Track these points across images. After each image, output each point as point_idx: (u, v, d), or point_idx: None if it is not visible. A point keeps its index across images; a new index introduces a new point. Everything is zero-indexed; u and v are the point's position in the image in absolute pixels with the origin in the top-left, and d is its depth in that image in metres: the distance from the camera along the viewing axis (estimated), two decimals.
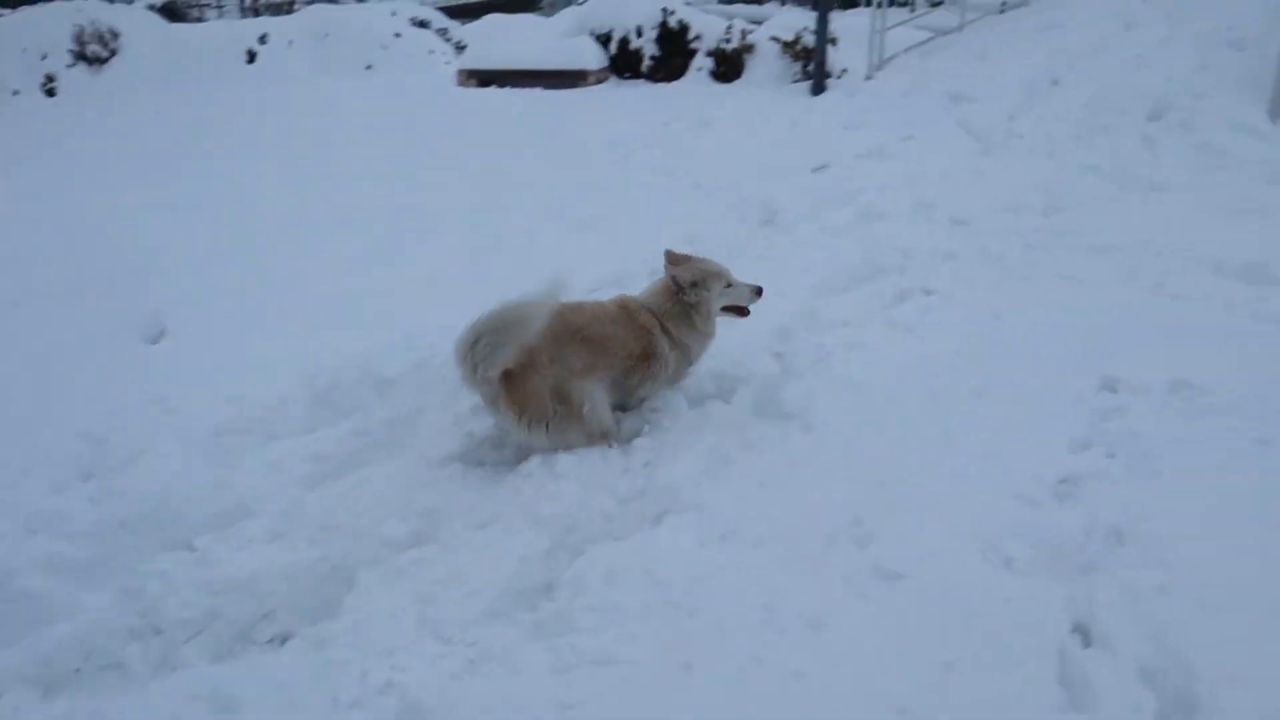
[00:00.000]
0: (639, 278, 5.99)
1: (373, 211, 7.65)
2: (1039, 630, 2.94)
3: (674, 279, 4.33)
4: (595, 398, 4.07)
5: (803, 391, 4.44)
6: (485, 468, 4.10)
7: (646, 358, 4.32)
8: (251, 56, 16.02)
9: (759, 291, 4.45)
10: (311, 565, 3.51)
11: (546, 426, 3.95)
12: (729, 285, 4.41)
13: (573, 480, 3.85)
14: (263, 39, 16.27)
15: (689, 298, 4.34)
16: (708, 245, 6.59)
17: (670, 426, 4.30)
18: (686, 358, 4.50)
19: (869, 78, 12.87)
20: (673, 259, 4.47)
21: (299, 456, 4.19)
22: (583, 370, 4.06)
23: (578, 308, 4.31)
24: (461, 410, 4.51)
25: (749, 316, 4.56)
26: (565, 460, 3.97)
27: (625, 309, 4.40)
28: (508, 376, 3.91)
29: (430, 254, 6.58)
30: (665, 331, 4.37)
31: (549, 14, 22.99)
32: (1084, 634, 2.96)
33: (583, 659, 2.92)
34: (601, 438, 4.09)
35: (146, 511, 3.71)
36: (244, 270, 6.33)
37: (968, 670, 2.77)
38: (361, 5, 23.63)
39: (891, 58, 13.53)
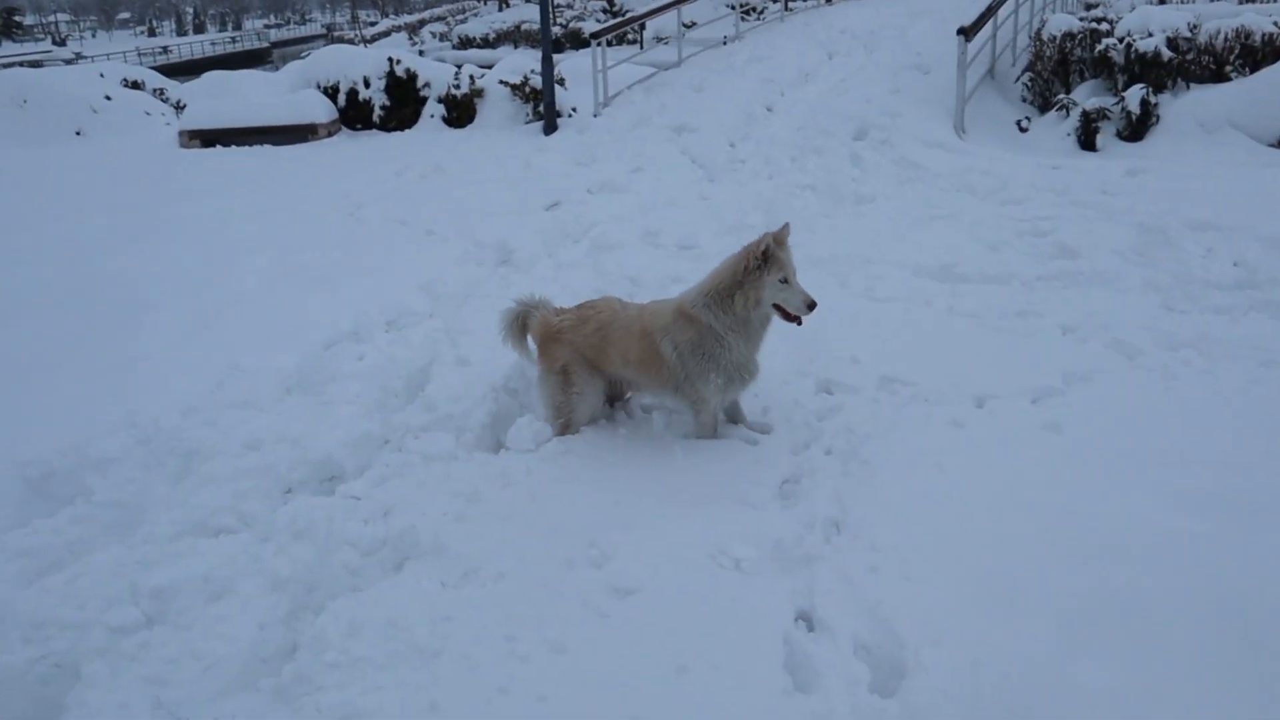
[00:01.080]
0: (376, 329, 5.96)
1: (88, 287, 7.20)
2: (766, 623, 3.15)
3: (765, 247, 4.17)
4: (585, 390, 4.56)
5: (539, 425, 4.56)
6: (220, 537, 3.94)
7: (648, 362, 4.40)
8: None
9: (811, 305, 4.26)
10: (28, 666, 3.27)
11: (544, 381, 4.63)
12: (785, 281, 4.23)
13: (312, 539, 3.78)
14: None
15: (750, 277, 4.21)
16: (444, 290, 6.64)
17: (414, 471, 4.31)
18: (717, 350, 4.31)
19: (597, 115, 13.29)
20: (778, 239, 4.27)
21: (9, 553, 3.89)
22: (587, 361, 4.56)
23: (606, 306, 4.69)
24: (191, 482, 4.32)
25: (799, 325, 4.38)
26: (303, 518, 3.89)
27: (640, 319, 4.50)
28: (544, 330, 4.64)
29: (153, 325, 6.26)
30: (689, 324, 4.33)
31: (277, 68, 22.39)
32: (807, 621, 3.20)
33: (327, 717, 2.88)
34: (561, 428, 4.56)
35: None
36: None
37: (700, 671, 2.93)
38: (66, 68, 22.23)
39: (617, 94, 14.04)
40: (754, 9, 23.62)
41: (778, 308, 4.29)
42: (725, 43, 18.13)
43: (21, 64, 28.56)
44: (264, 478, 4.35)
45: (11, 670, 3.24)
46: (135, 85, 18.44)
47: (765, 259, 4.18)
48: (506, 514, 3.87)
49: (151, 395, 5.13)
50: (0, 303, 6.93)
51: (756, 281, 4.21)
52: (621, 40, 21.49)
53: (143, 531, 4.04)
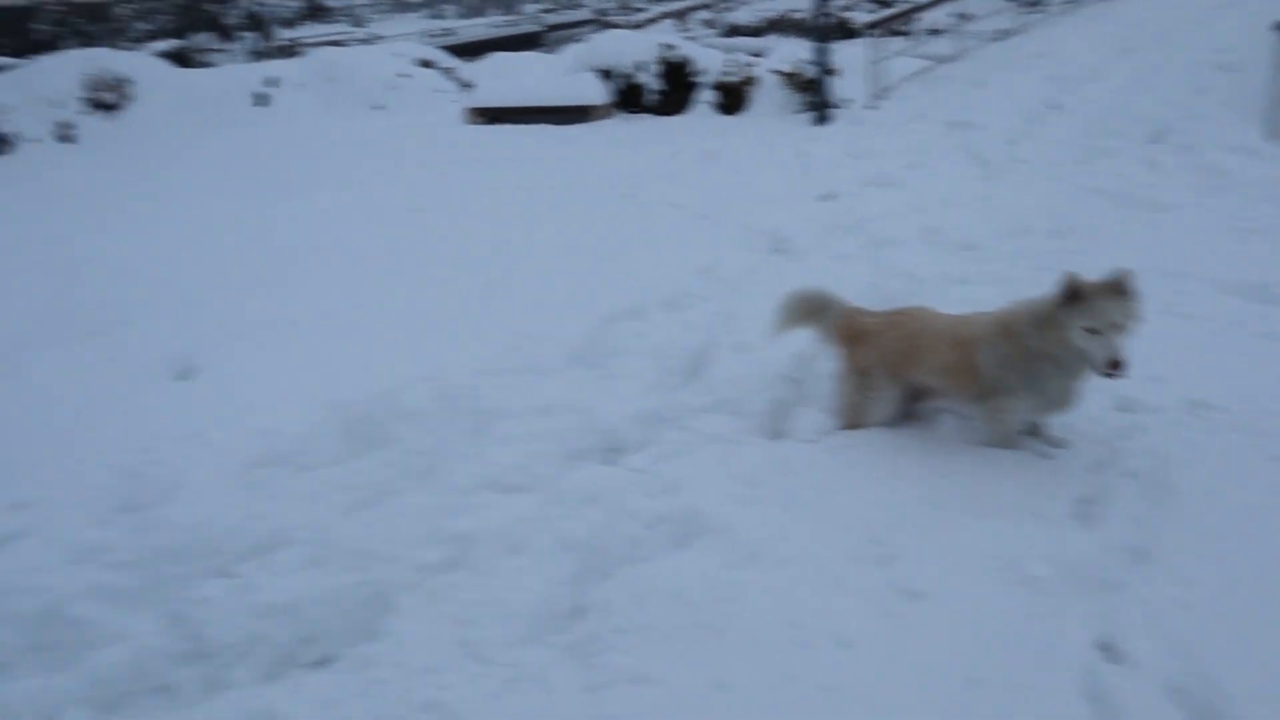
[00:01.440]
0: (655, 309, 6.12)
1: (387, 247, 7.80)
2: (1062, 647, 3.01)
3: (1068, 284, 3.87)
4: (882, 395, 4.46)
5: (821, 416, 4.55)
6: (514, 494, 4.17)
7: (961, 372, 4.26)
8: (261, 99, 16.23)
9: (1113, 365, 3.78)
10: (349, 589, 3.58)
11: (845, 379, 4.54)
12: (1089, 330, 3.84)
13: (600, 505, 3.94)
14: (272, 82, 16.49)
15: (1058, 311, 3.93)
16: (720, 274, 6.74)
17: (695, 451, 4.40)
18: (1033, 372, 4.09)
19: (870, 107, 13.06)
20: (1096, 285, 3.90)
21: (331, 486, 4.28)
22: (891, 367, 4.41)
23: (920, 315, 4.59)
24: (486, 439, 4.60)
25: (1111, 379, 3.92)
26: (591, 485, 4.07)
27: (955, 329, 4.37)
28: (850, 328, 4.56)
29: (447, 286, 6.70)
30: (1009, 340, 4.12)
31: (552, 50, 23.29)
32: (1107, 650, 3.01)
33: (617, 677, 3.00)
34: (848, 424, 4.52)
35: (187, 541, 3.81)
36: (270, 306, 6.48)
37: (993, 687, 2.84)
38: (366, 47, 23.95)
39: (892, 87, 13.74)
40: (1036, 1, 22.49)
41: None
42: (1005, 37, 17.39)
43: (328, 44, 30.99)
44: (552, 442, 4.56)
45: (335, 591, 3.55)
46: (426, 64, 19.60)
47: (1069, 299, 3.86)
48: (787, 502, 3.89)
49: (448, 354, 5.48)
50: (313, 258, 7.60)
51: (1061, 319, 3.89)
52: (893, 32, 20.98)
53: (442, 481, 4.32)
